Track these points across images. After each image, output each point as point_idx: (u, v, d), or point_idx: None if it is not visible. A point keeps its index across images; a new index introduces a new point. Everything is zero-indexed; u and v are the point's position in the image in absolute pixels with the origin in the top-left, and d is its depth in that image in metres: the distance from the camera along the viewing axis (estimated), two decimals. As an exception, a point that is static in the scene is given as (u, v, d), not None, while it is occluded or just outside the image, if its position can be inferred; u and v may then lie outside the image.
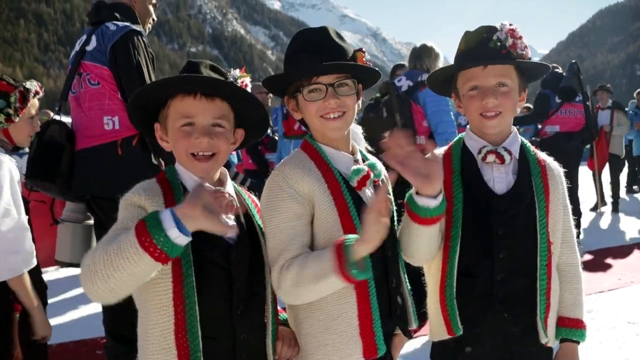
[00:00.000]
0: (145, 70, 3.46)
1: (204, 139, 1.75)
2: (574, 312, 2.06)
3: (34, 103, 2.99)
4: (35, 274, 2.86)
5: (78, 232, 3.86)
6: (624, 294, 5.57)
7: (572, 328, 2.04)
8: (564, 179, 2.10)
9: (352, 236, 1.65)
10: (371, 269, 1.63)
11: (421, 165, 1.71)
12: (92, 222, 3.86)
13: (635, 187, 13.69)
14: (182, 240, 1.46)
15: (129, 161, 3.42)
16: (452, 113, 5.09)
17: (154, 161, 3.50)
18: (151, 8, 3.95)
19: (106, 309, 3.67)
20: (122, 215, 1.70)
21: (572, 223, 2.11)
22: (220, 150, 1.80)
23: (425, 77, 5.04)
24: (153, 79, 3.50)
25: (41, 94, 3.05)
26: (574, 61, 8.13)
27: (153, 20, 4.00)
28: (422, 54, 5.35)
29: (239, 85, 1.90)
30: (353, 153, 1.97)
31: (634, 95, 12.80)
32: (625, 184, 13.52)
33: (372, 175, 1.90)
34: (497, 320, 1.97)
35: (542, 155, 2.10)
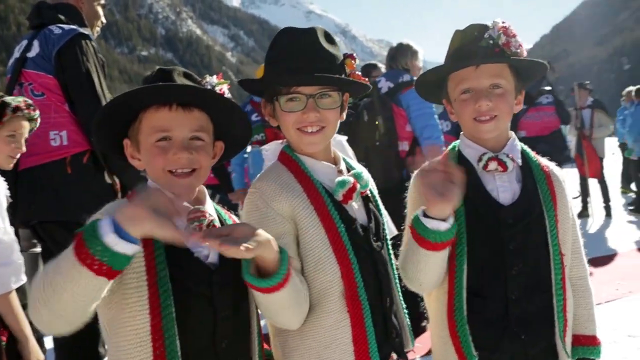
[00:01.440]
0: (95, 78, 3.40)
1: (183, 154, 1.71)
2: (588, 329, 2.07)
3: (18, 121, 2.92)
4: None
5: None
6: (622, 306, 5.65)
7: (589, 346, 2.06)
8: (568, 184, 2.11)
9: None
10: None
11: (440, 183, 1.74)
12: (38, 249, 3.79)
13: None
14: (124, 247, 1.38)
15: (80, 181, 3.36)
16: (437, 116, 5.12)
17: (108, 180, 3.44)
18: (99, 9, 3.89)
19: (58, 347, 3.59)
20: None
21: (579, 232, 2.12)
22: (201, 165, 1.76)
23: (406, 77, 5.06)
24: (104, 88, 3.45)
25: (29, 112, 2.97)
26: (547, 61, 8.35)
27: (102, 22, 3.95)
28: (398, 54, 5.38)
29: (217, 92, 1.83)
30: (335, 162, 1.96)
31: (622, 95, 13.03)
32: (620, 186, 13.74)
33: (358, 186, 1.88)
34: (514, 343, 1.94)
35: (544, 161, 2.11)
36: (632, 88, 12.60)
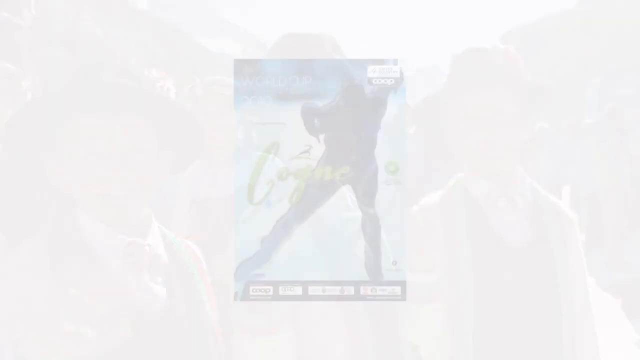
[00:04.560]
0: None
1: (116, 170, 1.50)
2: None
3: None
4: None
5: None
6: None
7: None
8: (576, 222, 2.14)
9: None
10: None
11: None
12: None
13: None
14: None
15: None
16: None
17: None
18: None
19: None
20: None
21: (588, 282, 2.13)
22: (142, 182, 1.56)
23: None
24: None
25: None
26: None
27: None
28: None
29: (157, 89, 1.57)
30: None
31: None
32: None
33: None
34: None
35: (554, 199, 2.14)
36: None
